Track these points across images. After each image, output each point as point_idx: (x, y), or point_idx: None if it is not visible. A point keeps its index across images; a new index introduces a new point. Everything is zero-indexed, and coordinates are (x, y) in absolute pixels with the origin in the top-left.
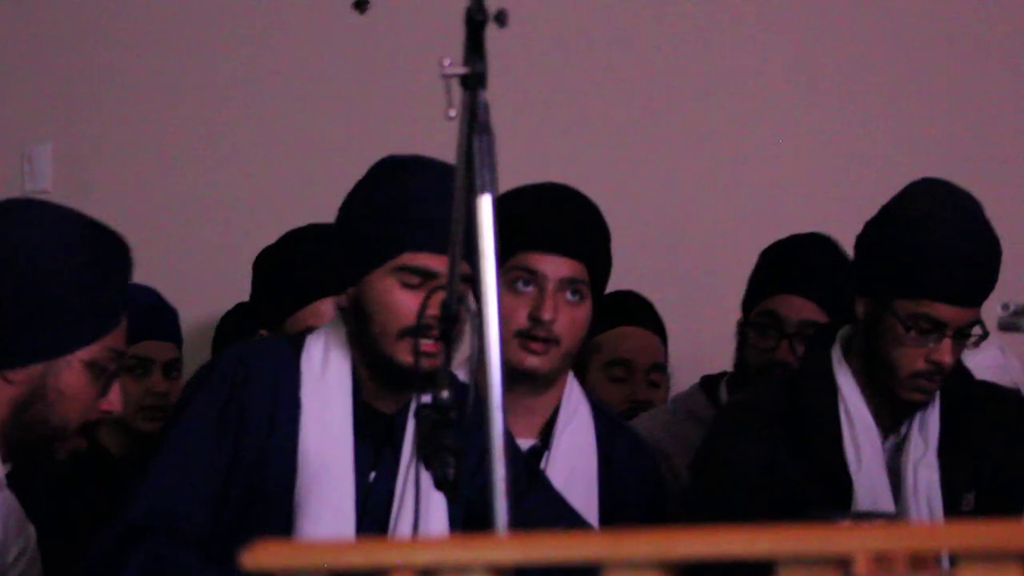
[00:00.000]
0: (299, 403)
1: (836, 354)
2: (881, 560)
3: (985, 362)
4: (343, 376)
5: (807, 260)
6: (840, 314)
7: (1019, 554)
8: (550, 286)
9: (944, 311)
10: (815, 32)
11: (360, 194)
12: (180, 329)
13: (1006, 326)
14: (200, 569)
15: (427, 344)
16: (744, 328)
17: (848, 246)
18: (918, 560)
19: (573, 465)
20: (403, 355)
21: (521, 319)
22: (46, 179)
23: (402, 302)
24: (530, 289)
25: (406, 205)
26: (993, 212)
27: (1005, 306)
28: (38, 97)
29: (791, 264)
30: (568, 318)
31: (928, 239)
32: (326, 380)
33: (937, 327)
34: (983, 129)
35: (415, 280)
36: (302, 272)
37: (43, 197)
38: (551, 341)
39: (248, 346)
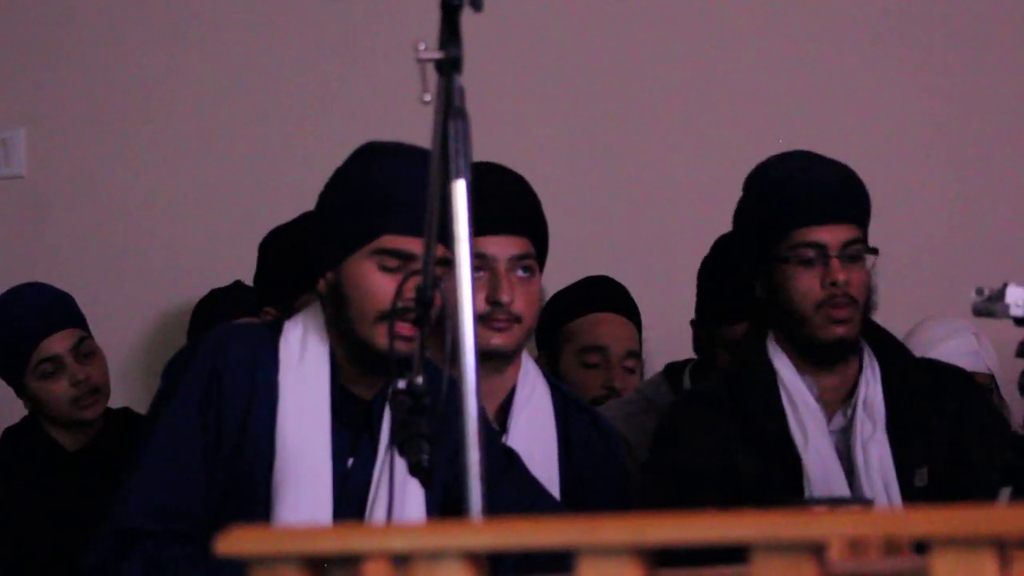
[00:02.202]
0: (277, 389)
1: (771, 343)
2: (855, 546)
3: (960, 348)
4: (321, 362)
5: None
6: None
7: (993, 539)
8: (502, 267)
9: (815, 233)
10: (804, 21)
11: (339, 179)
12: (75, 309)
13: (980, 311)
14: (191, 570)
15: (404, 328)
16: (709, 340)
17: None
18: (892, 546)
19: (532, 447)
20: (380, 339)
21: (479, 303)
22: (21, 164)
23: (380, 285)
24: (482, 273)
25: (384, 188)
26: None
27: (979, 291)
28: (12, 82)
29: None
30: (524, 296)
31: (773, 180)
32: (304, 366)
33: (817, 250)
34: (976, 123)
35: (393, 263)
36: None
37: (18, 183)
38: (512, 319)
39: (226, 330)
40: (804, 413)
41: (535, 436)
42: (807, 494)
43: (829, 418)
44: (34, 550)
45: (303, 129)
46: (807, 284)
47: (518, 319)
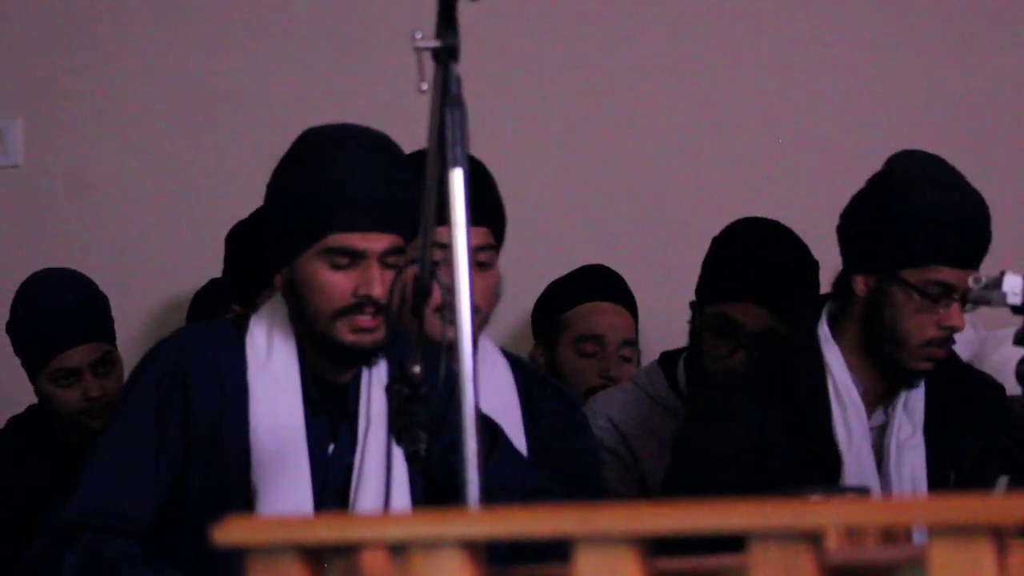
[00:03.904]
0: (246, 386)
1: (823, 331)
2: (853, 534)
3: (957, 337)
4: (289, 354)
5: (770, 266)
6: (788, 311)
7: (990, 528)
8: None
9: (951, 274)
10: (802, 21)
11: (283, 175)
12: (106, 317)
13: (978, 300)
14: (131, 567)
15: (364, 320)
16: (699, 319)
17: (822, 228)
18: (889, 535)
19: (497, 422)
20: (341, 334)
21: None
22: (17, 154)
23: (333, 284)
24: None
25: (330, 184)
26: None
27: (976, 279)
28: (9, 72)
29: (753, 269)
30: (481, 286)
31: (929, 205)
32: (273, 360)
33: (946, 291)
34: (974, 119)
35: (344, 261)
36: None
37: (14, 172)
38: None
39: (189, 333)
40: (850, 410)
41: (499, 412)
42: None
43: (869, 414)
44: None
45: (301, 118)
46: (925, 320)
47: (476, 310)
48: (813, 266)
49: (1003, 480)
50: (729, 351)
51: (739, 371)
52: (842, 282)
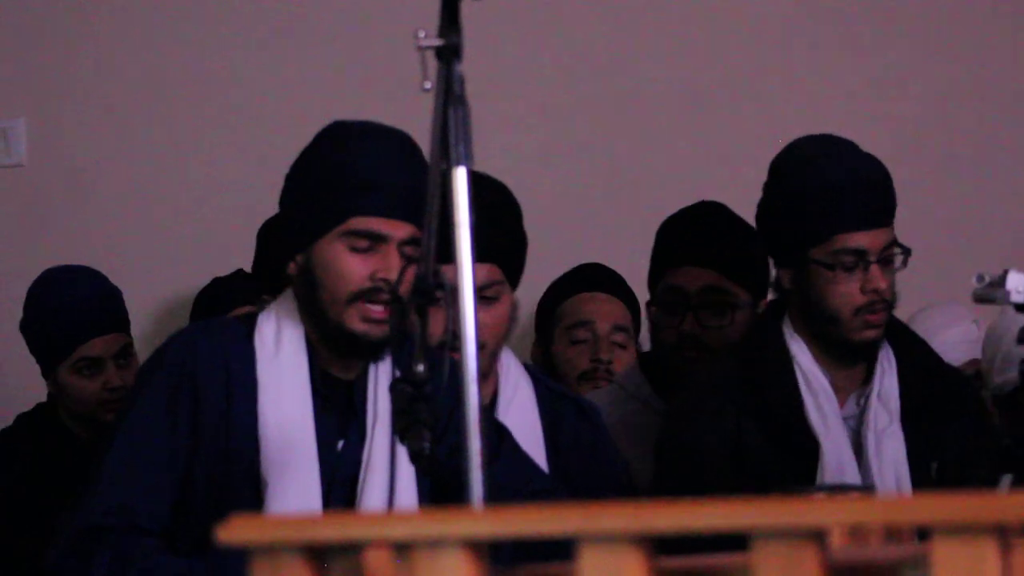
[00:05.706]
0: (255, 382)
1: (787, 327)
2: (856, 533)
3: (960, 336)
4: (298, 349)
5: (697, 229)
6: (743, 276)
7: (993, 527)
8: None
9: (858, 239)
10: (800, 17)
11: (306, 160)
12: (125, 310)
13: (981, 298)
14: (166, 562)
15: (376, 310)
16: (651, 308)
17: None
18: (893, 533)
19: (520, 442)
20: (353, 321)
21: (438, 331)
22: (21, 154)
23: (351, 267)
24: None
25: (353, 169)
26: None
27: (980, 278)
28: (12, 71)
29: (683, 236)
30: (486, 321)
31: (812, 182)
32: (280, 355)
33: (859, 257)
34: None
35: (364, 244)
36: None
37: (18, 171)
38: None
39: (197, 329)
40: (822, 399)
41: (522, 434)
42: (819, 481)
43: (840, 404)
44: (40, 538)
45: (303, 117)
46: (847, 289)
47: (481, 346)
48: (750, 231)
49: (1006, 479)
50: (679, 320)
51: (710, 371)
52: (777, 280)
